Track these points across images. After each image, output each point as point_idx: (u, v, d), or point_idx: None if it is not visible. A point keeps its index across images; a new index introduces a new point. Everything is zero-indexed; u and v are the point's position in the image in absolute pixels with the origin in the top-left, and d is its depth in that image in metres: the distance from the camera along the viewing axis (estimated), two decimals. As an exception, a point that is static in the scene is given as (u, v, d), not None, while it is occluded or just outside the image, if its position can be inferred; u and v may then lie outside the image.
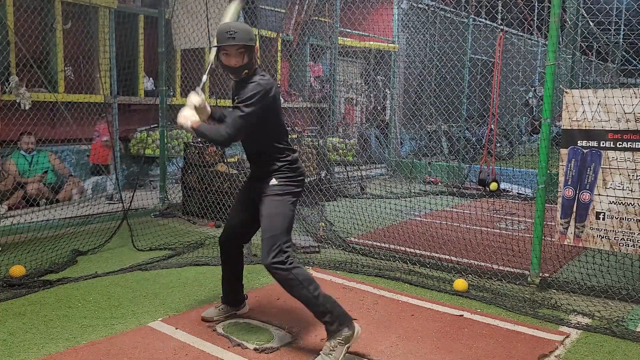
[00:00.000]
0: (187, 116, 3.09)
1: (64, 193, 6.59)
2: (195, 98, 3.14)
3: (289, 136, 3.34)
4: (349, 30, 9.00)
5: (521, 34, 12.15)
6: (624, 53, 11.74)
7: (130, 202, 5.85)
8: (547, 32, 4.08)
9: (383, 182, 9.10)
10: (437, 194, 8.19)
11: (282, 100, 9.48)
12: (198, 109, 3.14)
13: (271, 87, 3.07)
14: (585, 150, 3.99)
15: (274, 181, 3.14)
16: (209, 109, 3.26)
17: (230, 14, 3.30)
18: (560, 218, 4.12)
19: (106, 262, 4.75)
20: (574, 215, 4.07)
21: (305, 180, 3.42)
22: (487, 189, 8.12)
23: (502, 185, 8.55)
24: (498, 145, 10.31)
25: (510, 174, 8.85)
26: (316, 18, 9.51)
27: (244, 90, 3.04)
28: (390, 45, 10.15)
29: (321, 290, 3.02)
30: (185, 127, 3.08)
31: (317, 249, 5.13)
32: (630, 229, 3.86)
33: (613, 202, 3.92)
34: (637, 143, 3.81)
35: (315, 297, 2.98)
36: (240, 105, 3.01)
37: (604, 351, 3.23)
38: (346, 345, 2.95)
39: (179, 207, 6.79)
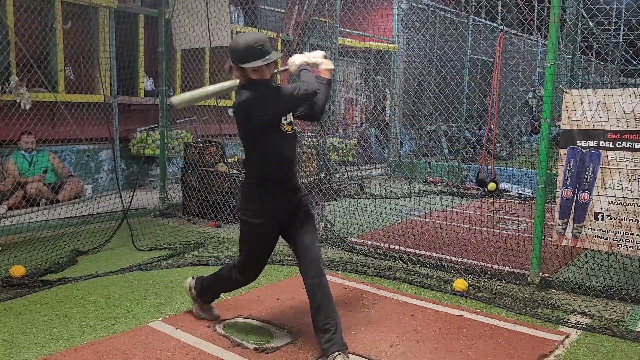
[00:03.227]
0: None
1: (65, 192, 6.59)
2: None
3: None
4: (349, 31, 9.00)
5: (521, 34, 12.15)
6: (623, 53, 11.74)
7: (130, 201, 5.85)
8: (547, 32, 4.08)
9: (383, 182, 9.11)
10: (437, 194, 8.20)
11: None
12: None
13: None
14: (584, 150, 3.99)
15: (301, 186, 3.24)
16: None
17: None
18: (558, 218, 4.12)
19: (106, 262, 4.75)
20: (572, 216, 4.07)
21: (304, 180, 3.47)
22: (485, 189, 8.12)
23: (502, 185, 8.55)
24: (498, 145, 10.32)
25: (510, 174, 8.85)
26: (316, 18, 9.50)
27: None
28: (390, 45, 10.15)
29: None
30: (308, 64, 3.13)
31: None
32: (629, 230, 3.86)
33: (612, 202, 3.92)
34: (636, 143, 3.81)
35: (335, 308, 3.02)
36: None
37: (603, 351, 3.24)
38: None
39: (179, 207, 6.79)
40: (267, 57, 2.93)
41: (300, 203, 3.16)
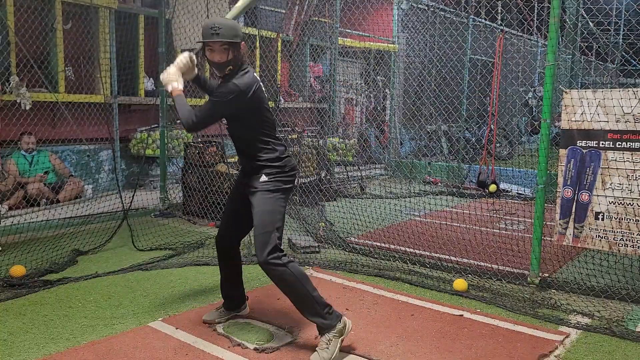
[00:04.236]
0: (170, 75, 3.14)
1: (65, 193, 6.59)
2: (183, 57, 3.21)
3: (278, 131, 3.35)
4: (349, 31, 9.01)
5: (521, 34, 12.15)
6: (623, 53, 11.74)
7: (131, 202, 5.85)
8: (547, 32, 4.09)
9: (383, 182, 9.11)
10: (437, 194, 8.20)
11: (282, 100, 9.47)
12: (184, 70, 3.20)
13: (248, 87, 3.06)
14: (584, 151, 4.00)
15: (264, 177, 3.14)
16: (196, 71, 3.29)
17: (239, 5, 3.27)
18: (559, 218, 4.13)
19: (106, 262, 4.76)
20: (572, 216, 4.07)
21: (298, 176, 3.42)
22: (487, 190, 8.13)
23: (502, 186, 8.55)
24: (498, 145, 10.32)
25: (510, 174, 8.85)
26: (316, 18, 9.51)
27: (222, 86, 3.10)
28: (390, 45, 10.16)
29: (314, 287, 3.06)
30: (165, 87, 3.16)
31: (317, 249, 5.14)
32: (629, 230, 3.87)
33: (612, 202, 3.93)
34: (636, 143, 3.82)
35: (310, 293, 3.02)
36: (213, 99, 3.11)
37: (603, 351, 3.24)
38: (340, 338, 3.01)
39: (179, 207, 6.79)
40: (204, 40, 3.04)
41: (250, 190, 3.18)
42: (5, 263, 4.47)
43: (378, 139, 10.69)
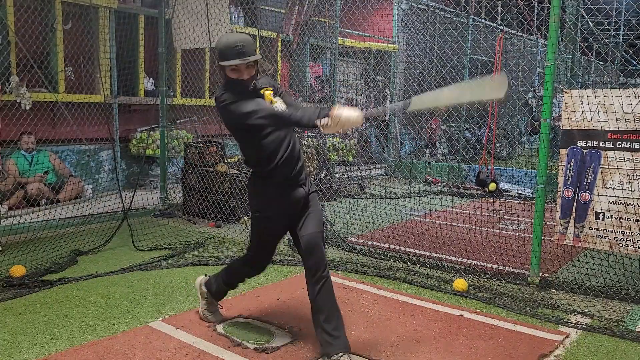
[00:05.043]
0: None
1: (65, 193, 6.59)
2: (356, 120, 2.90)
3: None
4: (349, 31, 9.01)
5: (521, 34, 12.16)
6: (623, 53, 11.74)
7: (131, 202, 5.85)
8: (547, 32, 4.09)
9: (383, 182, 9.12)
10: (437, 194, 8.20)
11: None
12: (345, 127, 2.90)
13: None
14: (584, 151, 4.00)
15: (310, 179, 3.20)
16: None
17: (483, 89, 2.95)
18: (560, 218, 4.13)
19: (106, 262, 4.76)
20: (573, 216, 4.07)
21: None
22: (486, 189, 8.14)
23: (502, 186, 8.56)
24: (498, 145, 10.32)
25: (510, 174, 8.86)
26: (316, 18, 9.51)
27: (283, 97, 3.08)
28: (390, 45, 10.16)
29: None
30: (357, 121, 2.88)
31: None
32: (629, 229, 3.87)
33: (612, 202, 3.93)
34: (636, 143, 3.82)
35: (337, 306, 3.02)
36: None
37: (603, 351, 3.24)
38: None
39: (180, 207, 6.79)
40: (244, 58, 2.88)
41: (308, 199, 3.12)
42: (5, 263, 4.47)
43: (378, 139, 10.70)
